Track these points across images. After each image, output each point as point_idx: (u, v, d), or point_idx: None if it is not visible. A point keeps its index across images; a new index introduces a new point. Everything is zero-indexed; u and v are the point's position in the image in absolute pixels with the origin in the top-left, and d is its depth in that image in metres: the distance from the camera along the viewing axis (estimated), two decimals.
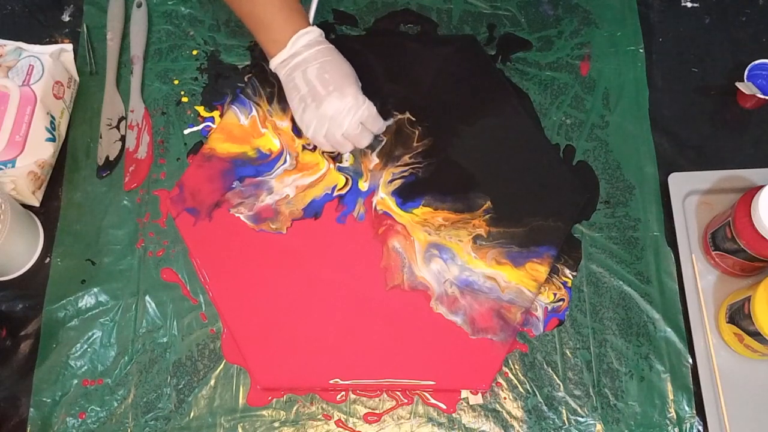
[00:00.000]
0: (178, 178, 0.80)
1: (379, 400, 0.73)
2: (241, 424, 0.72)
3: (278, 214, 0.78)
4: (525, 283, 0.75)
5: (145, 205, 0.80)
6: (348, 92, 0.72)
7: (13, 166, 0.75)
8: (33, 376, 0.74)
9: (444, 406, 0.73)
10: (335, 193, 0.79)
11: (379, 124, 0.76)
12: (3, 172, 0.75)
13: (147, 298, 0.76)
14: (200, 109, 0.84)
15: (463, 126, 0.81)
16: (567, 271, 0.77)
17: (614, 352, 0.74)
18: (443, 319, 0.74)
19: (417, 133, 0.81)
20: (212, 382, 0.74)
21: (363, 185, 0.79)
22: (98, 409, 0.73)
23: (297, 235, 0.77)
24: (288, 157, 0.80)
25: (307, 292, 0.75)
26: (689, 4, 0.88)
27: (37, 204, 0.80)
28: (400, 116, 0.81)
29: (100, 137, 0.83)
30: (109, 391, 0.73)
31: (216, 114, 0.84)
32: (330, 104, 0.72)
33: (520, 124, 0.81)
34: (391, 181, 0.79)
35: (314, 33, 0.73)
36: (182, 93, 0.85)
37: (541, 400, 0.73)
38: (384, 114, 0.81)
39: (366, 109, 0.73)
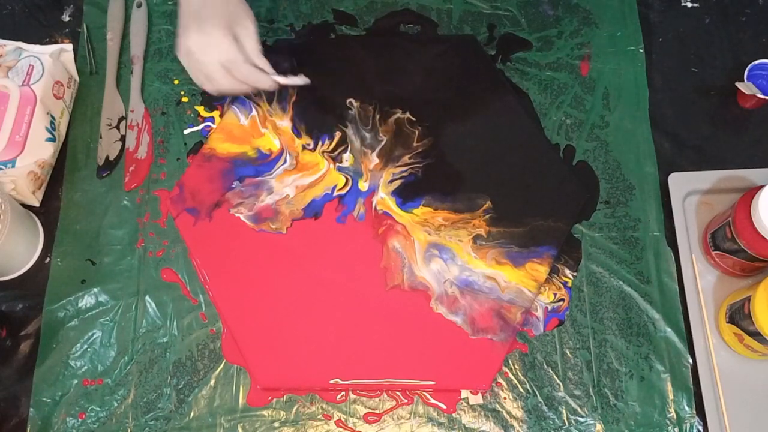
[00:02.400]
0: (178, 178, 0.80)
1: (379, 400, 0.73)
2: (241, 424, 0.72)
3: (278, 214, 0.78)
4: (525, 283, 0.75)
5: (145, 205, 0.80)
6: (210, 31, 0.67)
7: (13, 166, 0.75)
8: (33, 376, 0.74)
9: (444, 406, 0.73)
10: (335, 193, 0.79)
11: (248, 75, 0.69)
12: (3, 172, 0.75)
13: (147, 298, 0.76)
14: (200, 109, 0.84)
15: (463, 126, 0.81)
16: (567, 271, 0.77)
17: (614, 352, 0.74)
18: (443, 319, 0.74)
19: (417, 133, 0.81)
20: (212, 382, 0.74)
21: (363, 185, 0.79)
22: (98, 409, 0.73)
23: (297, 235, 0.77)
24: (288, 157, 0.80)
25: (307, 292, 0.75)
26: (689, 4, 0.88)
27: (37, 204, 0.80)
28: (400, 116, 0.81)
29: (100, 137, 0.83)
30: (109, 391, 0.73)
31: (216, 114, 0.84)
32: (191, 39, 0.67)
33: (520, 124, 0.82)
34: (391, 181, 0.79)
35: None
36: (182, 93, 0.85)
37: (541, 400, 0.73)
38: (384, 115, 0.81)
39: (226, 52, 0.67)
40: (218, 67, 0.69)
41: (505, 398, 0.73)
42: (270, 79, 0.72)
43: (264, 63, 0.71)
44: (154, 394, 0.73)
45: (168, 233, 0.79)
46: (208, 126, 0.83)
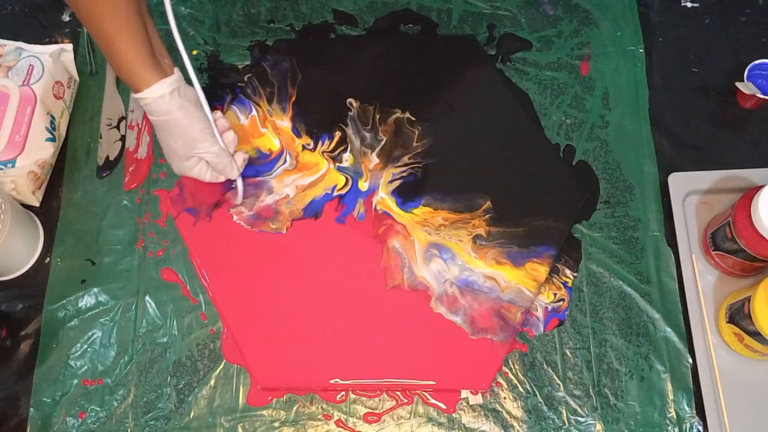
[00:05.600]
0: (178, 178, 0.80)
1: (379, 400, 0.73)
2: (241, 424, 0.72)
3: (278, 214, 0.78)
4: (525, 283, 0.75)
5: (145, 205, 0.80)
6: (174, 165, 0.72)
7: (13, 166, 0.75)
8: (33, 376, 0.74)
9: (444, 406, 0.73)
10: (335, 193, 0.79)
11: (226, 169, 0.73)
12: (3, 172, 0.75)
13: (147, 298, 0.76)
14: None
15: (463, 126, 0.81)
16: (567, 271, 0.77)
17: (614, 352, 0.74)
18: (443, 319, 0.74)
19: (417, 132, 0.81)
20: (212, 382, 0.74)
21: (363, 185, 0.79)
22: (98, 409, 0.73)
23: (297, 235, 0.77)
24: (288, 157, 0.80)
25: (307, 291, 0.75)
26: (689, 4, 0.88)
27: (37, 204, 0.80)
28: (399, 115, 0.81)
29: (100, 137, 0.83)
30: (109, 391, 0.73)
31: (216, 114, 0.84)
32: (175, 167, 0.73)
33: (520, 124, 0.82)
34: (391, 181, 0.79)
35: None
36: None
37: (541, 400, 0.73)
38: (384, 115, 0.81)
39: (198, 171, 0.72)
40: (204, 176, 0.73)
41: (505, 398, 0.73)
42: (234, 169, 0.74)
43: (233, 167, 0.74)
44: (154, 394, 0.73)
45: (168, 233, 0.79)
46: None
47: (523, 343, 0.74)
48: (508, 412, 0.72)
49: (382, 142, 0.80)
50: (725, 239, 0.72)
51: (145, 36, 0.66)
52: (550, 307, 0.75)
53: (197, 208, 0.78)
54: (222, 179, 0.74)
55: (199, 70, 0.86)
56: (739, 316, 0.69)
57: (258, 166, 0.80)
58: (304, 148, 0.81)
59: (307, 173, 0.80)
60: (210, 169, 0.72)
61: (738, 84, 0.80)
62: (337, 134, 0.81)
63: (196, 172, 0.72)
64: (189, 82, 0.70)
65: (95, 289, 0.77)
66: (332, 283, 0.75)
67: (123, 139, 0.83)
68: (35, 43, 0.83)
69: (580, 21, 0.87)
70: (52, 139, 0.79)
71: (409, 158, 0.80)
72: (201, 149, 0.70)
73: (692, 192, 0.78)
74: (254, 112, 0.82)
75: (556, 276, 0.76)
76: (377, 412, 0.73)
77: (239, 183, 0.76)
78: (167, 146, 0.71)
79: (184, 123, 0.68)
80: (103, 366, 0.74)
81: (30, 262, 0.78)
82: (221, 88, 0.85)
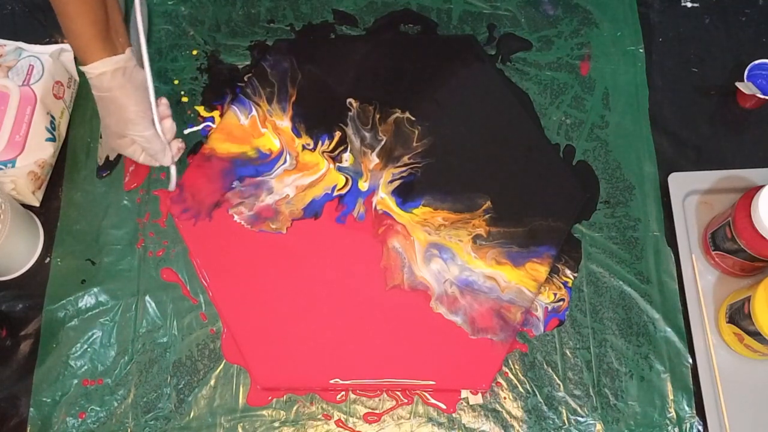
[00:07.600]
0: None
1: (379, 400, 0.73)
2: (241, 424, 0.72)
3: (278, 213, 0.78)
4: (525, 283, 0.75)
5: (145, 205, 0.80)
6: (109, 141, 0.73)
7: (13, 166, 0.75)
8: (33, 376, 0.74)
9: (444, 406, 0.73)
10: (335, 193, 0.79)
11: (158, 154, 0.73)
12: (3, 172, 0.75)
13: (147, 298, 0.76)
14: (200, 109, 0.84)
15: (463, 126, 0.81)
16: (567, 271, 0.77)
17: (614, 352, 0.74)
18: (443, 319, 0.74)
19: (417, 132, 0.81)
20: (212, 382, 0.74)
21: (363, 185, 0.79)
22: (98, 409, 0.73)
23: (297, 235, 0.77)
24: (288, 157, 0.80)
25: (307, 291, 0.75)
26: (689, 4, 0.88)
27: (37, 204, 0.80)
28: (399, 115, 0.81)
29: (100, 137, 0.83)
30: (109, 391, 0.73)
31: (216, 114, 0.84)
32: (113, 144, 0.74)
33: (520, 124, 0.82)
34: (391, 181, 0.79)
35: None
36: (182, 93, 0.85)
37: (541, 400, 0.73)
38: (383, 115, 0.81)
39: (131, 151, 0.72)
40: (139, 158, 0.74)
41: (505, 398, 0.73)
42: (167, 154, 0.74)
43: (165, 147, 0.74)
44: (154, 394, 0.73)
45: (168, 233, 0.79)
46: (208, 126, 0.83)
47: (523, 343, 0.74)
48: (508, 412, 0.72)
49: (382, 142, 0.80)
50: (725, 239, 0.72)
51: (99, 12, 0.67)
52: (550, 307, 0.75)
53: (197, 208, 0.78)
54: (156, 164, 0.74)
55: (199, 70, 0.86)
56: (739, 316, 0.69)
57: (258, 166, 0.80)
58: (304, 148, 0.81)
59: (307, 173, 0.80)
60: (144, 152, 0.73)
61: (738, 84, 0.80)
62: (337, 134, 0.81)
63: (129, 152, 0.73)
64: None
65: (95, 289, 0.77)
66: (332, 283, 0.75)
67: None
68: (35, 43, 0.83)
69: (580, 21, 0.87)
70: (52, 139, 0.79)
71: (409, 158, 0.80)
72: (133, 131, 0.71)
73: (692, 192, 0.78)
74: (254, 112, 0.82)
75: (556, 276, 0.76)
76: (377, 412, 0.73)
77: (172, 171, 0.76)
78: (103, 122, 0.72)
79: (120, 102, 0.69)
80: (103, 366, 0.74)
81: (30, 262, 0.78)
82: (221, 88, 0.85)
